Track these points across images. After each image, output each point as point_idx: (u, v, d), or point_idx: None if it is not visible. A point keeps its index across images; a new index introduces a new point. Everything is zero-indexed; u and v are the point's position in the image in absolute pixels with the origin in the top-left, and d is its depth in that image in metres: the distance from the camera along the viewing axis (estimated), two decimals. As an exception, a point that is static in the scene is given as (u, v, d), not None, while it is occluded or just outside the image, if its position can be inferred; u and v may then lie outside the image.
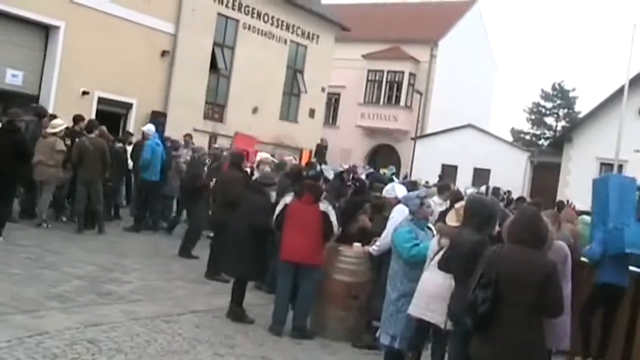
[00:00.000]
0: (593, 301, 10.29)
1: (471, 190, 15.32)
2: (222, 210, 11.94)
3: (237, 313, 9.77)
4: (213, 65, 28.33)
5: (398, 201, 9.53)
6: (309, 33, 33.13)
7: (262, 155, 15.25)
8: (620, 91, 29.41)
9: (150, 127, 17.49)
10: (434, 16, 44.25)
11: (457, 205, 7.90)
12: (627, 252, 10.00)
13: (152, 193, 16.76)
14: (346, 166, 19.08)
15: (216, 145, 20.09)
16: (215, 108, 29.26)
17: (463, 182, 29.98)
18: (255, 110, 30.09)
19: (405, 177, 29.19)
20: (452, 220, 7.70)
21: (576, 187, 32.03)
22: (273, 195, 10.65)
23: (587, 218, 11.82)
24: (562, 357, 9.48)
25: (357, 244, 9.82)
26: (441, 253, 7.39)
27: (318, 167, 16.81)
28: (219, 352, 8.13)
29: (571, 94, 67.56)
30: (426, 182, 22.75)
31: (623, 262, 10.23)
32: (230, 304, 9.87)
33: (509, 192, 22.95)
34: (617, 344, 10.49)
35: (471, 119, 41.39)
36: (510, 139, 56.52)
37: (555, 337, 7.12)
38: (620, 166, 31.08)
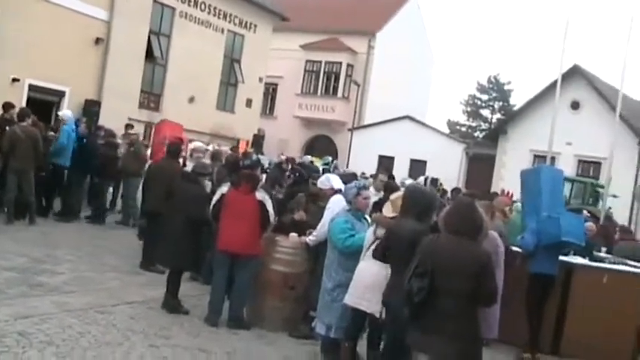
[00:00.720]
0: (528, 292, 10.45)
1: (409, 182, 15.39)
2: (157, 200, 11.80)
3: (172, 304, 9.68)
4: (149, 54, 28.02)
5: (334, 191, 9.55)
6: (246, 22, 32.96)
7: (196, 144, 15.14)
8: (554, 85, 29.90)
9: (66, 113, 17.20)
10: (372, 7, 44.39)
11: (393, 197, 7.94)
12: (563, 240, 10.17)
13: (64, 179, 16.48)
14: (283, 157, 19.05)
15: (132, 132, 19.74)
16: (151, 97, 28.97)
17: (400, 173, 30.24)
18: (191, 100, 29.87)
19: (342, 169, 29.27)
20: (388, 211, 7.74)
21: (510, 179, 32.55)
22: (209, 185, 10.59)
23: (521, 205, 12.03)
24: (494, 347, 9.60)
25: (293, 235, 9.81)
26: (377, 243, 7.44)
27: (255, 157, 16.74)
28: (155, 343, 8.06)
29: (506, 87, 68.59)
30: (363, 173, 22.81)
31: (555, 251, 10.44)
32: (165, 295, 9.78)
33: (435, 180, 23.08)
34: (546, 333, 10.72)
35: (408, 111, 41.71)
36: (447, 130, 57.14)
37: (486, 326, 7.23)
38: (553, 159, 31.64)
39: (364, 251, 7.77)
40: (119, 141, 17.74)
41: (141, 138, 20.64)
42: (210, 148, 15.88)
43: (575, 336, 10.75)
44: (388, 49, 43.14)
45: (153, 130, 24.72)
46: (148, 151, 18.30)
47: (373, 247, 7.51)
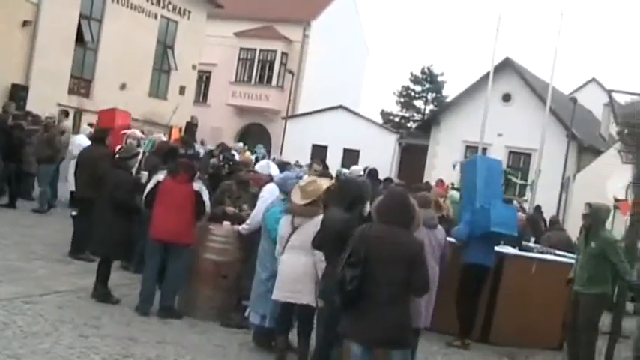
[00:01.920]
0: (462, 282, 10.59)
1: (346, 171, 15.43)
2: (86, 187, 11.62)
3: (102, 293, 9.54)
4: (80, 38, 27.49)
5: (268, 180, 9.50)
6: (180, 8, 32.61)
7: (131, 131, 14.94)
8: (486, 77, 30.32)
9: None
10: (308, -3, 44.29)
11: (302, 183, 7.91)
12: (493, 230, 10.32)
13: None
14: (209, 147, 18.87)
15: (48, 115, 19.28)
16: (81, 83, 28.47)
17: (333, 163, 30.31)
18: (123, 86, 29.43)
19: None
20: (297, 197, 7.72)
21: (443, 169, 32.91)
22: (145, 175, 10.47)
23: (456, 194, 12.15)
24: (429, 336, 9.68)
25: (226, 223, 9.75)
26: (299, 233, 7.43)
27: (203, 149, 16.55)
28: (84, 333, 7.92)
29: (439, 79, 68.95)
30: (296, 162, 22.81)
31: (489, 242, 10.60)
32: (95, 284, 9.63)
33: (375, 171, 23.08)
34: (477, 321, 10.89)
35: (342, 100, 41.74)
36: (380, 121, 57.34)
37: (419, 315, 7.29)
38: (485, 149, 32.08)
39: (282, 243, 7.74)
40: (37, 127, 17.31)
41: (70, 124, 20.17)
42: (143, 135, 15.62)
43: (504, 324, 10.96)
44: (323, 38, 43.10)
45: (98, 118, 24.10)
46: (69, 137, 17.74)
47: (294, 238, 7.52)
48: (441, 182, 15.80)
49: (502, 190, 11.57)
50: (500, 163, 12.47)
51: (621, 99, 20.43)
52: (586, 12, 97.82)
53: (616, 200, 26.99)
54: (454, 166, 32.51)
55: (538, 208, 22.58)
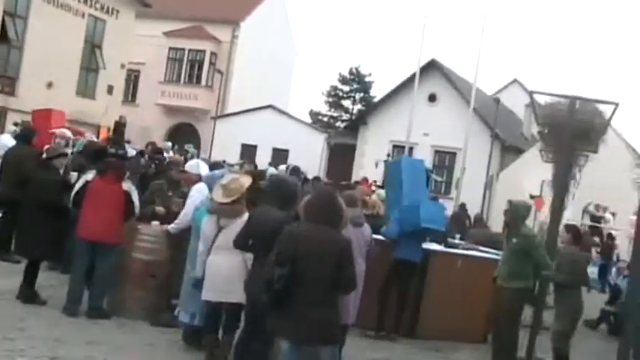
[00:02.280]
0: (389, 278, 10.71)
1: (273, 170, 15.43)
2: (11, 188, 11.34)
3: (28, 294, 9.33)
4: (3, 35, 26.84)
5: (198, 179, 9.43)
6: (108, 7, 32.13)
7: (60, 130, 14.69)
8: (412, 78, 30.64)
9: None
10: (237, -2, 44.10)
11: (224, 181, 7.86)
12: (424, 226, 10.47)
13: None
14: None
15: None
16: (5, 81, 27.83)
17: (262, 162, 30.25)
18: (50, 85, 28.84)
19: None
20: (219, 195, 7.67)
21: (370, 168, 33.17)
22: (74, 175, 10.29)
23: (383, 192, 12.26)
24: (356, 332, 9.72)
25: (155, 223, 9.65)
26: (225, 233, 7.39)
27: (132, 150, 16.30)
28: (9, 335, 7.74)
29: (367, 79, 69.28)
30: (224, 161, 22.71)
31: (417, 239, 10.74)
32: (21, 285, 9.41)
33: (297, 169, 22.98)
34: (405, 316, 11.00)
35: (271, 100, 41.66)
36: (309, 120, 57.38)
37: (345, 312, 7.32)
38: (411, 149, 32.43)
39: (207, 243, 7.69)
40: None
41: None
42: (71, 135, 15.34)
43: (431, 318, 11.12)
44: (252, 39, 42.97)
45: (32, 118, 23.41)
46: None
47: (220, 238, 7.48)
48: (365, 180, 15.93)
49: (426, 188, 11.74)
50: (423, 162, 12.66)
51: (542, 100, 20.83)
52: (508, 15, 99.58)
53: (532, 197, 27.65)
54: (376, 165, 32.86)
55: (463, 206, 22.92)
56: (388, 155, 32.42)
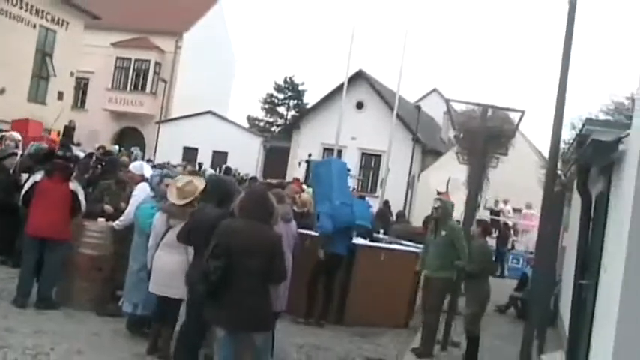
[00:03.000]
0: (318, 269, 10.76)
1: (210, 171, 15.35)
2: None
3: (-21, 287, 9.12)
4: (-42, 44, 26.12)
5: (141, 179, 9.35)
6: (59, 19, 31.46)
7: (10, 133, 14.39)
8: (341, 87, 30.74)
9: None
10: (180, 9, 43.63)
11: (179, 183, 7.81)
12: (358, 223, 10.64)
13: None
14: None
15: None
16: (-42, 88, 27.06)
17: (203, 164, 30.12)
18: (2, 91, 28.15)
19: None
20: (173, 197, 7.62)
21: (303, 169, 33.18)
22: (25, 176, 10.09)
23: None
24: (287, 318, 9.73)
25: (101, 220, 9.55)
26: (173, 231, 7.33)
27: (81, 153, 16.01)
28: (-40, 326, 7.54)
29: (300, 87, 69.52)
30: (168, 162, 22.52)
31: (347, 234, 10.85)
32: (-29, 279, 9.19)
33: (229, 169, 22.86)
34: (333, 304, 11.07)
35: (211, 106, 41.51)
36: (247, 125, 57.27)
37: (276, 300, 7.33)
38: (340, 151, 32.55)
39: (156, 239, 7.62)
40: None
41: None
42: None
43: (357, 306, 11.19)
44: (194, 49, 42.66)
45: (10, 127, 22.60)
46: None
47: (168, 235, 7.42)
48: (296, 180, 15.96)
49: (349, 187, 11.92)
50: (346, 165, 12.84)
51: (458, 107, 21.22)
52: (429, 29, 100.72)
53: (438, 193, 28.04)
54: (299, 164, 32.96)
55: (386, 203, 23.10)
56: (309, 155, 32.53)
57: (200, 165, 16.12)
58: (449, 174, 25.69)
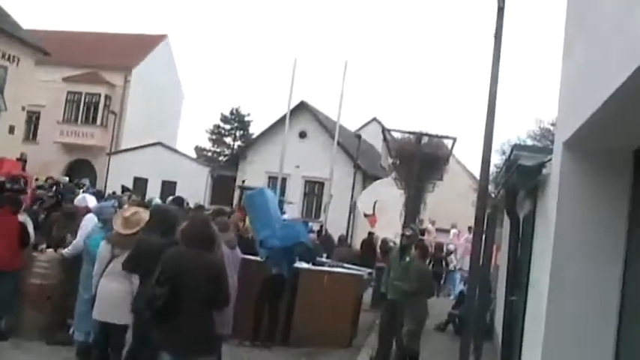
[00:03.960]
0: (264, 292, 10.70)
1: (157, 200, 15.16)
2: None
3: None
4: None
5: (87, 210, 9.22)
6: (9, 55, 30.94)
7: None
8: (284, 118, 30.77)
9: None
10: (129, 45, 43.49)
11: (126, 213, 7.72)
12: (301, 240, 10.68)
13: None
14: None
15: None
16: None
17: (153, 193, 29.82)
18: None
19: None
20: (120, 226, 7.52)
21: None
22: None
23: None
24: (234, 342, 9.63)
25: (49, 250, 9.34)
26: (118, 260, 7.22)
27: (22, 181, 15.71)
28: None
29: (246, 118, 69.54)
30: (113, 192, 22.27)
31: (288, 256, 10.82)
32: None
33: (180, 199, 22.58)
34: (279, 326, 11.00)
35: (160, 137, 41.25)
36: (194, 155, 56.94)
37: (221, 324, 7.26)
38: (285, 179, 32.54)
39: (100, 267, 7.48)
40: None
41: None
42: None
43: (303, 328, 11.13)
44: (143, 83, 42.43)
45: None
46: None
47: (113, 264, 7.30)
48: (241, 207, 15.88)
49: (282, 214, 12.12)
50: (276, 194, 13.08)
51: (396, 135, 21.58)
52: (368, 62, 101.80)
53: (365, 215, 28.34)
54: (233, 191, 32.94)
55: (322, 227, 23.11)
56: (243, 182, 32.65)
57: (144, 195, 16.01)
58: (364, 196, 26.01)
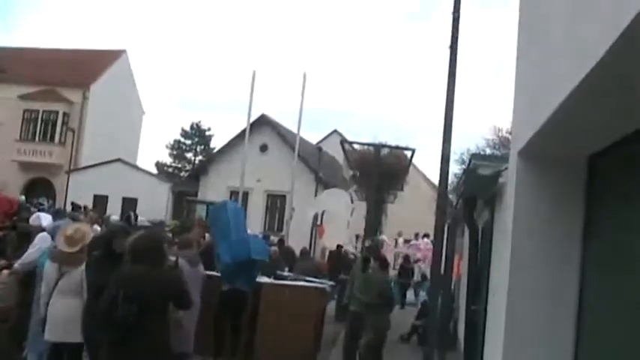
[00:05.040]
0: (223, 306, 10.58)
1: (115, 217, 15.02)
2: None
3: None
4: None
5: (41, 230, 9.05)
6: (-38, 73, 30.54)
7: None
8: (244, 131, 30.63)
9: None
10: (86, 62, 43.03)
11: (68, 231, 7.57)
12: (253, 257, 10.53)
13: None
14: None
15: None
16: None
17: (113, 211, 29.49)
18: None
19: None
20: (63, 245, 7.38)
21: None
22: None
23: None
24: (197, 358, 9.50)
25: (5, 272, 9.12)
26: (67, 278, 7.08)
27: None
28: None
29: (207, 133, 69.38)
30: (72, 209, 21.98)
31: (246, 270, 10.71)
32: None
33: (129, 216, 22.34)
34: (241, 341, 10.90)
35: (120, 154, 40.91)
36: (155, 171, 56.51)
37: (183, 341, 7.17)
38: (246, 193, 32.40)
39: (48, 287, 7.33)
40: None
41: None
42: None
43: (266, 343, 11.07)
44: (102, 99, 42.07)
45: None
46: None
47: (63, 282, 7.16)
48: (200, 222, 15.71)
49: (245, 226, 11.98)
50: (241, 207, 12.97)
51: (356, 146, 21.66)
52: (327, 72, 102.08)
53: (315, 226, 28.38)
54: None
55: (281, 240, 22.99)
56: (194, 196, 32.66)
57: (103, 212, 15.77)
58: (308, 206, 26.07)
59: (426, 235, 27.78)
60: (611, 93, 3.17)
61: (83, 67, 42.53)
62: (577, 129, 4.14)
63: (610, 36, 2.48)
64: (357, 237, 27.04)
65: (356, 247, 23.58)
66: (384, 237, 28.82)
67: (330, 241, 20.45)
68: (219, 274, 10.64)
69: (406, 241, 30.27)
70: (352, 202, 31.09)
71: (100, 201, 36.68)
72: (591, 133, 4.16)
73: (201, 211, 30.98)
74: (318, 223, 24.14)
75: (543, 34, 4.44)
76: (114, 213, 23.08)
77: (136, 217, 15.10)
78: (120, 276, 5.64)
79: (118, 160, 40.48)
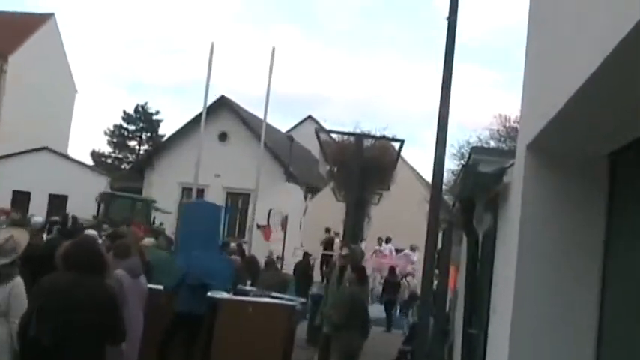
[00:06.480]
0: (172, 329, 10.60)
1: (37, 219, 14.86)
2: None
3: None
4: None
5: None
6: None
7: None
8: (200, 116, 30.50)
9: None
10: (5, 27, 42.43)
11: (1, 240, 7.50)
12: (206, 282, 10.56)
13: None
14: None
15: None
16: None
17: (38, 210, 29.23)
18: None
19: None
20: None
21: (156, 213, 32.74)
22: None
23: (151, 240, 12.27)
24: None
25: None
26: None
27: None
28: None
29: (155, 117, 68.91)
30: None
31: (201, 291, 10.75)
32: None
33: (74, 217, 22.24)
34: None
35: (47, 142, 40.44)
36: (91, 163, 56.15)
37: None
38: (202, 191, 32.33)
39: None
40: None
41: None
42: None
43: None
44: (23, 73, 41.49)
45: None
46: None
47: None
48: (136, 223, 15.77)
49: (220, 232, 11.90)
50: (221, 208, 12.82)
51: (334, 137, 21.53)
52: (300, 48, 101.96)
53: (259, 226, 28.49)
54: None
55: (240, 246, 23.02)
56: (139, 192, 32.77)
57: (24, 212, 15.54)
58: (259, 204, 26.10)
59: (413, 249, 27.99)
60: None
61: (0, 34, 41.95)
62: (594, 121, 4.18)
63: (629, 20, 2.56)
64: (333, 242, 27.06)
65: (332, 256, 23.66)
66: (384, 245, 28.95)
67: (277, 245, 20.43)
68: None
69: (398, 251, 30.31)
70: (306, 199, 31.18)
71: (21, 198, 36.35)
72: (611, 127, 4.21)
73: (121, 210, 30.85)
74: (262, 223, 24.13)
75: (556, 18, 4.51)
76: (37, 213, 22.91)
77: (75, 218, 15.00)
78: (44, 286, 5.63)
79: (45, 148, 40.09)
